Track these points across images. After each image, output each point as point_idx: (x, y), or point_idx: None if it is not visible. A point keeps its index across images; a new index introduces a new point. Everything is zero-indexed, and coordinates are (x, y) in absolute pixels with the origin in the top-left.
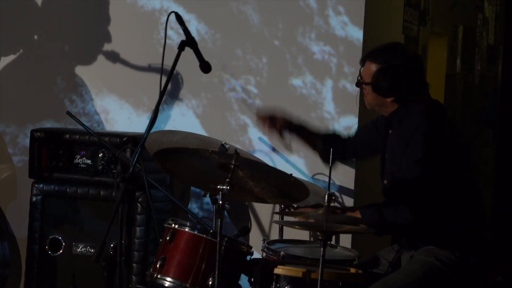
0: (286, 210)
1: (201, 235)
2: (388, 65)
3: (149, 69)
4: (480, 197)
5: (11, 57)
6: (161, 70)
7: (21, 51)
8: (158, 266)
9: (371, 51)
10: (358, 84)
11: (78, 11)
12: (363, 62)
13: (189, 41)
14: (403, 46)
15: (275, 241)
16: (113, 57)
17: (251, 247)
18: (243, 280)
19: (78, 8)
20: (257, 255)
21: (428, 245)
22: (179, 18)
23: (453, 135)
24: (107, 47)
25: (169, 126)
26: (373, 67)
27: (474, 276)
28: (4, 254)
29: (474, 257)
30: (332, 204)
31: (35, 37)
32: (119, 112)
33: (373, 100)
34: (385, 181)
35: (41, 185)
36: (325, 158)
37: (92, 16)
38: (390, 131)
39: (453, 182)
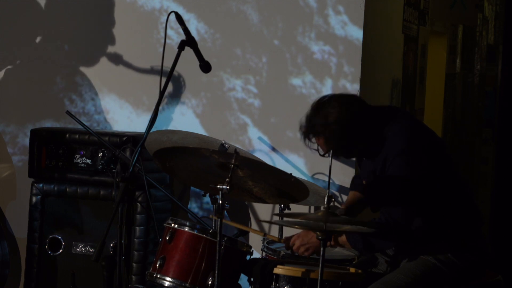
0: (285, 210)
1: (200, 234)
2: (329, 132)
3: (149, 68)
4: (473, 196)
5: (11, 57)
6: (161, 70)
7: (21, 51)
8: (157, 265)
9: (307, 127)
10: (323, 155)
11: (78, 11)
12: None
13: (189, 41)
14: (331, 99)
15: (275, 241)
16: (113, 56)
17: (250, 247)
18: (243, 280)
19: (78, 8)
20: (256, 254)
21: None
22: (179, 18)
23: (433, 142)
24: (107, 47)
25: (168, 126)
26: (321, 140)
27: (472, 275)
28: (3, 253)
29: (472, 256)
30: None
31: (35, 37)
32: (119, 112)
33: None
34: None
35: (41, 185)
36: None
37: (92, 16)
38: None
39: (445, 188)
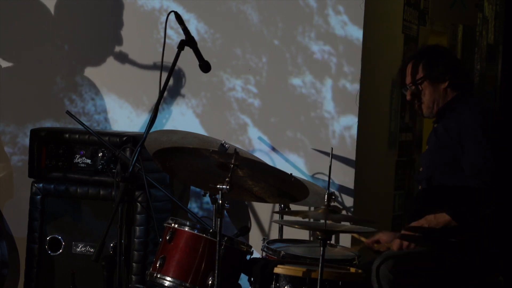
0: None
1: (200, 234)
2: (430, 56)
3: (149, 68)
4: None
5: (12, 57)
6: (160, 70)
7: (21, 51)
8: (158, 265)
9: (411, 56)
10: (415, 93)
11: (78, 11)
12: (403, 71)
13: (188, 41)
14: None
15: (274, 241)
16: (113, 56)
17: (250, 247)
18: (243, 280)
19: (79, 8)
20: (256, 254)
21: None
22: (178, 18)
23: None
24: (107, 46)
25: (168, 126)
26: (418, 65)
27: (475, 275)
28: (2, 253)
29: (480, 257)
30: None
31: (36, 37)
32: (119, 112)
33: (430, 96)
34: (421, 169)
35: (41, 185)
36: None
37: (93, 16)
38: (436, 125)
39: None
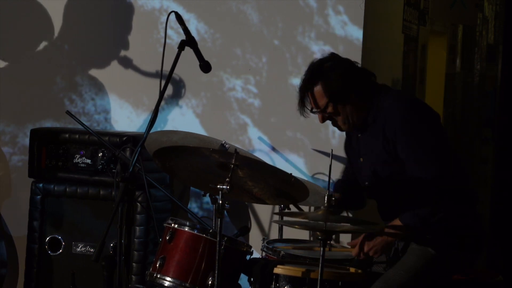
0: (286, 210)
1: (200, 234)
2: (326, 75)
3: (149, 68)
4: (469, 178)
5: (12, 57)
6: (161, 70)
7: (22, 51)
8: (157, 265)
9: (306, 83)
10: (327, 117)
11: (78, 11)
12: (304, 102)
13: (189, 41)
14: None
15: (274, 241)
16: (113, 56)
17: (250, 247)
18: (243, 280)
19: (79, 8)
20: (256, 254)
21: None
22: (179, 18)
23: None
24: (107, 47)
25: (168, 126)
26: (318, 88)
27: (470, 257)
28: (1, 253)
29: (467, 240)
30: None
31: (36, 37)
32: (119, 112)
33: (343, 114)
34: (366, 183)
35: (41, 185)
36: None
37: (93, 16)
38: (360, 135)
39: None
